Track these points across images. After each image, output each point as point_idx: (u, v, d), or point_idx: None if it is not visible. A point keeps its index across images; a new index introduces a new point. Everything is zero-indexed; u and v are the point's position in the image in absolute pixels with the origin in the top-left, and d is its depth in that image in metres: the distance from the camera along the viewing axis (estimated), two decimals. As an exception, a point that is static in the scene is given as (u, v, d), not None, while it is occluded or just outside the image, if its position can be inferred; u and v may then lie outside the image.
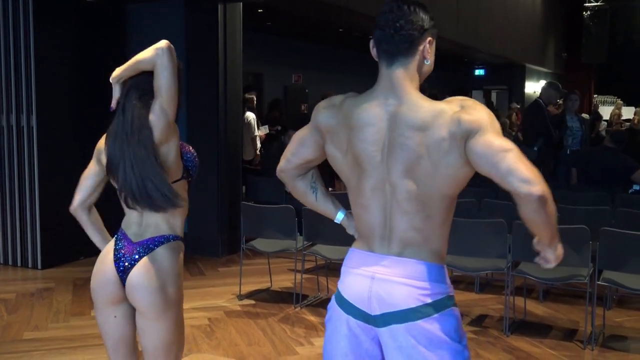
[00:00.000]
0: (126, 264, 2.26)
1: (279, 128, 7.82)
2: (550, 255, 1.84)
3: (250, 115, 8.21)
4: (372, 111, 1.79)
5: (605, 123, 14.02)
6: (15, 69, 5.82)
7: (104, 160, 2.33)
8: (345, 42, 11.34)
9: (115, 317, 2.32)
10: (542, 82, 19.55)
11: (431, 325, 1.75)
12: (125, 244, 2.30)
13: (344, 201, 2.10)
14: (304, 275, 5.26)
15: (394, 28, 1.76)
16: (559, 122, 7.51)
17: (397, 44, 1.77)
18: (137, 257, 2.26)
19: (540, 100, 7.65)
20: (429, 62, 1.83)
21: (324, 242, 4.91)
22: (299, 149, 2.00)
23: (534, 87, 19.62)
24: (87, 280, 5.45)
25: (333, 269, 5.68)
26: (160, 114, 2.23)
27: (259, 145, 8.57)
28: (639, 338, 4.41)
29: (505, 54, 15.85)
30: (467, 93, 17.54)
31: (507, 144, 1.66)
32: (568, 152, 7.53)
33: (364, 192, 1.83)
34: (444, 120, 1.70)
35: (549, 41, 20.01)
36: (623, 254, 4.04)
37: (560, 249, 1.83)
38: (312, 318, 4.70)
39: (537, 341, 4.29)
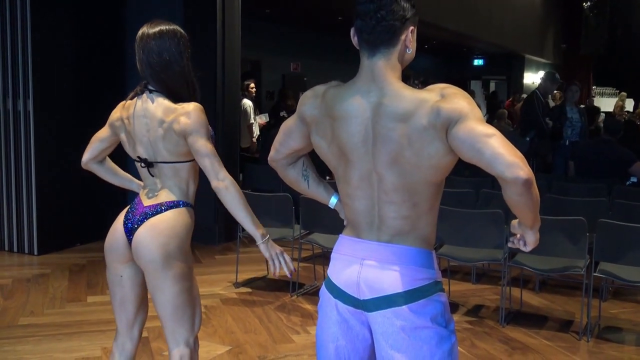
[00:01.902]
0: (134, 224, 2.39)
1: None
2: (531, 237, 1.88)
3: (247, 103, 8.19)
4: (354, 102, 1.78)
5: (604, 115, 14.01)
6: (12, 53, 5.78)
7: (119, 131, 2.48)
8: (344, 30, 11.24)
9: (121, 276, 2.48)
10: (541, 73, 19.52)
11: (417, 311, 1.77)
12: (137, 207, 2.43)
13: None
14: (301, 264, 5.26)
15: (375, 19, 1.74)
16: (559, 113, 7.50)
17: (379, 34, 1.75)
18: (144, 219, 2.38)
19: (538, 92, 7.65)
20: (411, 51, 1.82)
21: (321, 230, 4.91)
22: (286, 139, 2.00)
23: (532, 78, 19.61)
24: (83, 267, 5.50)
25: (330, 258, 5.67)
26: (187, 143, 2.37)
27: (256, 133, 8.55)
28: (634, 330, 4.42)
29: (505, 44, 15.84)
30: (465, 83, 17.52)
31: (489, 129, 1.66)
32: (567, 144, 7.52)
33: (350, 182, 1.84)
34: (425, 110, 1.69)
35: (548, 32, 19.98)
36: (620, 246, 4.04)
37: (537, 234, 1.87)
38: (308, 307, 4.70)
39: (533, 332, 4.30)
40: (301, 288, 5.08)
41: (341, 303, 1.87)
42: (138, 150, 2.43)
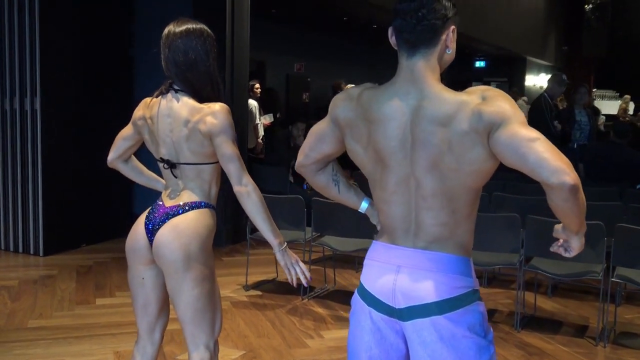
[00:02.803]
0: (155, 225, 2.34)
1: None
2: (576, 243, 1.82)
3: (252, 103, 8.12)
4: (393, 105, 1.72)
5: (604, 117, 13.98)
6: (19, 51, 5.72)
7: (142, 130, 2.44)
8: (349, 31, 11.25)
9: (143, 279, 2.43)
10: (543, 75, 19.58)
11: (455, 320, 1.72)
12: (159, 208, 2.38)
13: (365, 191, 2.07)
14: (311, 267, 5.20)
15: (416, 17, 1.68)
16: (567, 116, 7.46)
17: (420, 34, 1.70)
18: (165, 219, 2.33)
19: (546, 95, 7.60)
20: (451, 52, 1.76)
21: (332, 233, 4.86)
22: (317, 144, 1.94)
23: (534, 80, 19.60)
24: (90, 268, 5.44)
25: (340, 261, 5.63)
26: (213, 144, 2.31)
27: (261, 133, 8.50)
28: (650, 335, 4.38)
29: (507, 45, 15.80)
30: (466, 85, 17.45)
31: (533, 133, 1.60)
32: (575, 147, 7.48)
33: (387, 187, 1.78)
34: (466, 113, 1.63)
35: (550, 34, 19.96)
36: (637, 250, 4.00)
37: (583, 239, 1.82)
38: (320, 310, 4.64)
39: (549, 337, 4.25)
40: (312, 291, 5.02)
41: (375, 311, 1.82)
42: (161, 151, 2.38)
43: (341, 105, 1.84)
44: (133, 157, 2.63)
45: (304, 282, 2.31)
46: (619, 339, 4.27)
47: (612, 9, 19.79)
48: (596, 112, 13.84)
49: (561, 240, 1.89)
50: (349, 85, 9.64)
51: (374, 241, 1.92)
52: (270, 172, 6.69)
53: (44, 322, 4.25)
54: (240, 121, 6.49)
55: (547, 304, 4.94)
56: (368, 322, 1.84)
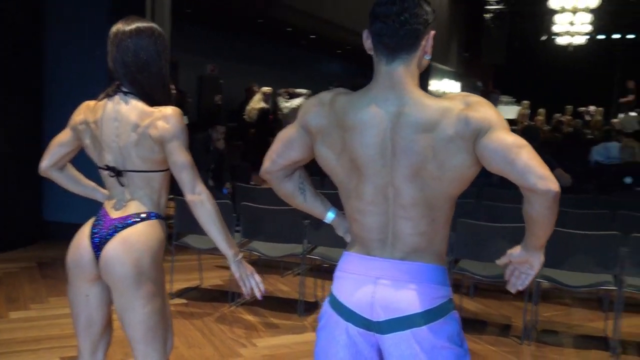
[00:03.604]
0: (101, 238, 2.18)
1: None
2: (538, 261, 1.81)
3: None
4: (370, 112, 1.67)
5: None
6: None
7: (83, 136, 2.27)
8: (264, 33, 11.18)
9: (87, 296, 2.25)
10: (446, 80, 20.21)
11: (435, 331, 1.71)
12: (104, 219, 2.22)
13: (334, 201, 2.02)
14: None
15: (398, 22, 1.65)
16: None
17: (402, 39, 1.66)
18: (114, 232, 2.17)
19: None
20: (429, 57, 1.75)
21: (262, 239, 4.77)
22: (285, 150, 1.87)
23: (437, 85, 20.16)
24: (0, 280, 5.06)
25: (265, 266, 5.55)
26: (164, 150, 2.19)
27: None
28: (570, 332, 4.56)
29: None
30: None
31: (520, 139, 1.62)
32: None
33: (363, 196, 1.73)
34: (450, 119, 1.62)
35: (452, 41, 20.61)
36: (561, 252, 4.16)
37: (542, 257, 1.82)
38: (250, 317, 4.55)
39: (476, 337, 4.35)
40: (239, 297, 4.92)
41: (353, 326, 1.77)
42: (105, 158, 2.23)
43: (312, 111, 1.78)
44: (69, 164, 2.44)
45: (258, 295, 2.23)
46: (542, 336, 4.43)
47: (510, 18, 20.70)
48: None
49: (511, 269, 1.85)
50: (265, 88, 9.57)
51: (345, 252, 1.86)
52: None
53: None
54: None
55: (470, 305, 5.06)
56: (344, 337, 1.79)
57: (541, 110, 14.90)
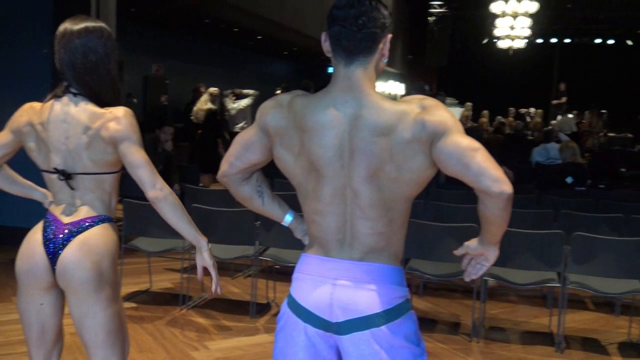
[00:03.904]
0: (56, 245, 2.13)
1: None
2: (493, 254, 1.89)
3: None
4: (329, 114, 1.70)
5: None
6: None
7: (26, 138, 2.20)
8: (210, 33, 11.09)
9: (41, 304, 2.20)
10: (391, 82, 20.44)
11: (394, 330, 1.74)
12: (56, 224, 2.16)
13: (290, 202, 2.03)
14: (186, 276, 5.05)
15: (356, 25, 1.68)
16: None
17: (359, 42, 1.69)
18: (69, 237, 2.13)
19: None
20: (386, 60, 1.79)
21: (213, 240, 4.72)
22: (243, 152, 1.87)
23: (383, 87, 20.39)
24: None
25: (219, 269, 5.48)
26: (117, 151, 2.16)
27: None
28: (516, 329, 4.68)
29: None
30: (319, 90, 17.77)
31: (474, 143, 1.67)
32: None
33: (322, 198, 1.75)
34: (407, 123, 1.66)
35: (396, 43, 20.85)
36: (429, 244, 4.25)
37: (497, 251, 1.89)
38: (201, 320, 4.52)
39: (427, 336, 4.42)
40: (190, 300, 4.87)
41: (311, 327, 1.78)
42: (53, 160, 2.16)
43: (271, 112, 1.79)
44: (5, 165, 2.35)
45: (219, 290, 2.24)
46: (489, 334, 4.53)
47: (453, 21, 21.11)
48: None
49: (467, 259, 1.93)
50: (212, 89, 9.47)
51: (303, 254, 1.88)
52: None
53: None
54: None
55: (420, 304, 5.14)
56: (302, 338, 1.80)
57: (485, 112, 15.26)
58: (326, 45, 1.75)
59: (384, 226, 1.74)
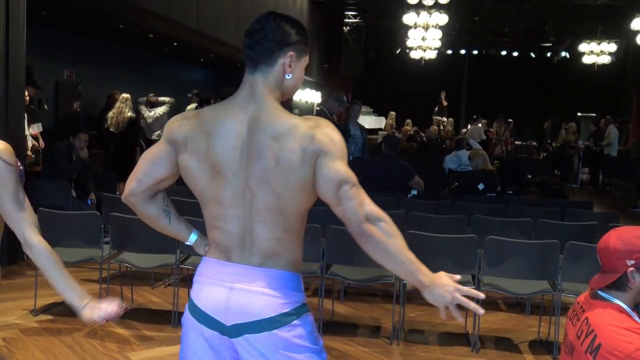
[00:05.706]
0: None
1: None
2: (431, 291, 1.83)
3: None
4: (232, 117, 1.82)
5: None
6: None
7: None
8: (125, 38, 10.87)
9: None
10: (308, 91, 20.59)
11: (289, 333, 1.81)
12: None
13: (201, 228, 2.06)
14: (105, 286, 4.94)
15: (256, 37, 1.84)
16: (343, 131, 7.94)
17: (258, 53, 1.84)
18: None
19: (325, 109, 8.04)
20: (291, 77, 1.88)
21: (132, 249, 4.66)
22: (151, 167, 1.91)
23: (300, 95, 20.50)
24: None
25: (135, 278, 5.41)
26: None
27: (30, 144, 7.86)
28: (434, 330, 4.83)
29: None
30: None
31: (352, 175, 1.77)
32: (351, 159, 8.00)
33: (223, 200, 1.82)
34: (298, 134, 1.76)
35: (313, 52, 21.04)
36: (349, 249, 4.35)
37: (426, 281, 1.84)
38: (122, 331, 4.43)
39: (348, 340, 4.51)
40: (109, 312, 4.76)
41: (207, 329, 1.84)
42: None
43: (177, 124, 1.88)
44: None
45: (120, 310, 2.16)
46: (409, 336, 4.67)
47: (367, 32, 21.50)
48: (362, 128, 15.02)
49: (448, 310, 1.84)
50: (124, 95, 9.28)
51: (204, 257, 1.95)
52: (50, 187, 6.20)
53: None
54: (15, 132, 5.95)
55: (341, 309, 5.23)
56: (200, 340, 1.86)
57: (408, 121, 15.71)
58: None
59: (281, 232, 1.82)
